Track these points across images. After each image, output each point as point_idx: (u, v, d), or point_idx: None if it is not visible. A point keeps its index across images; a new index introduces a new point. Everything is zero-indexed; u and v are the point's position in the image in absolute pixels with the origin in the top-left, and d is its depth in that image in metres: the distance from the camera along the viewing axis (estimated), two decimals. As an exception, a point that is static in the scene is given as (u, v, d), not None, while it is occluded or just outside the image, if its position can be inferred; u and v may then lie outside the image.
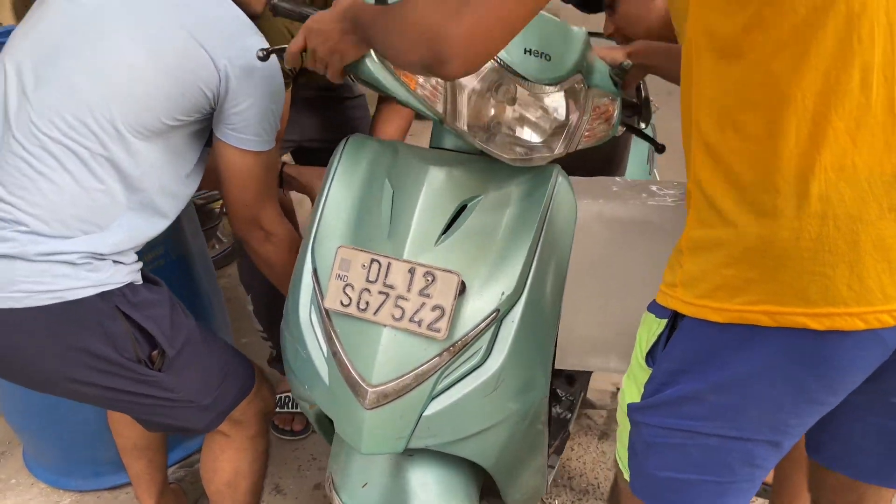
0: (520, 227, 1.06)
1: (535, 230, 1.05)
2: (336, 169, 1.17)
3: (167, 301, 1.21)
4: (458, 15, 0.72)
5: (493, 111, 1.09)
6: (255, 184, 1.22)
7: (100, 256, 1.11)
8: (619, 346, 1.32)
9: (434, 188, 1.08)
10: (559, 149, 1.12)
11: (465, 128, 1.09)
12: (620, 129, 1.19)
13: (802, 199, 0.72)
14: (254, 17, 1.21)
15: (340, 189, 1.16)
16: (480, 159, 1.12)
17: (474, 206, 1.08)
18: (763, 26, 0.72)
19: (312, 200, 1.51)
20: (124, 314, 1.12)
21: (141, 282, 1.18)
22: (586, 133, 1.15)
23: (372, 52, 1.01)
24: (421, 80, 1.05)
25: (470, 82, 1.06)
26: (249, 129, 1.17)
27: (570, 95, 1.11)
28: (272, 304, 1.63)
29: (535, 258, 1.05)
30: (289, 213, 1.57)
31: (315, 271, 1.12)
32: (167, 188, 1.18)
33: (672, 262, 0.86)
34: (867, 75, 0.71)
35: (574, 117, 1.12)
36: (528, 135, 1.11)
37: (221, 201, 2.75)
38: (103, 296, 1.10)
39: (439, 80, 1.03)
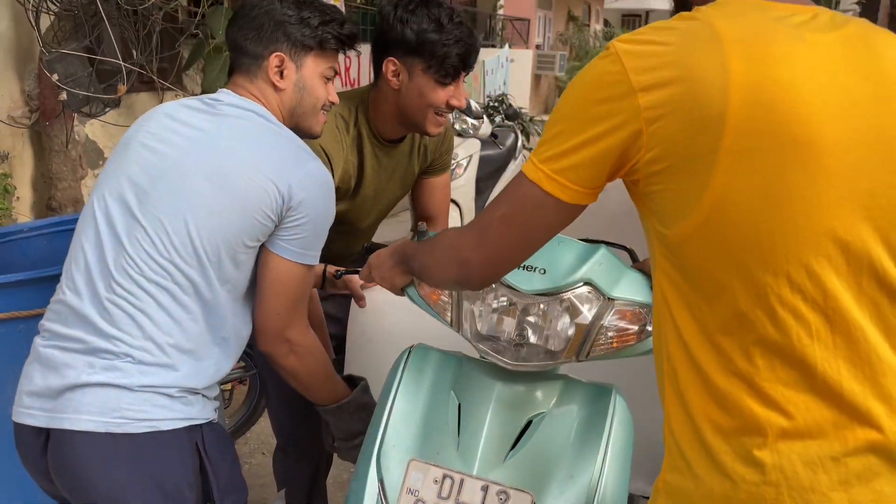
0: (585, 446, 1.12)
1: (601, 451, 1.11)
2: (401, 380, 1.24)
3: (231, 448, 1.28)
4: (476, 246, 0.92)
5: (494, 319, 1.19)
6: (291, 295, 1.28)
7: (193, 391, 1.20)
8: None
9: (501, 404, 1.14)
10: (563, 357, 1.17)
11: (470, 335, 1.18)
12: None
13: (759, 467, 0.77)
14: (312, 137, 1.40)
15: (406, 401, 1.22)
16: (542, 374, 1.20)
17: (539, 423, 1.14)
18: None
19: (357, 301, 1.61)
20: (199, 453, 1.19)
21: (216, 418, 1.26)
22: (610, 342, 1.19)
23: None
24: (444, 296, 1.23)
25: (469, 293, 1.21)
26: (300, 242, 1.26)
27: (576, 305, 1.16)
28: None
29: (602, 478, 1.10)
30: (318, 325, 1.60)
31: (381, 481, 1.15)
32: (238, 325, 1.28)
33: (651, 500, 0.90)
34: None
35: (582, 327, 1.16)
36: (535, 342, 1.17)
37: (229, 383, 2.74)
38: (189, 430, 1.18)
39: (447, 292, 1.23)
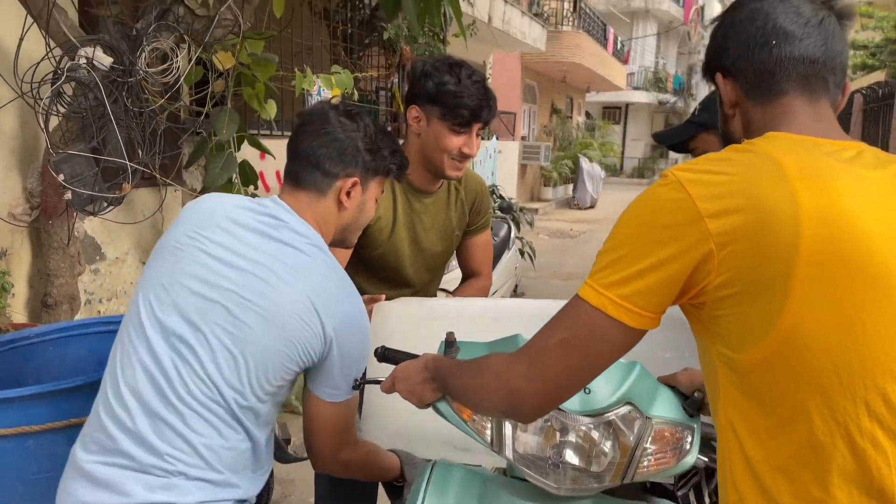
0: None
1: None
2: (424, 497, 1.20)
3: None
4: (529, 376, 0.89)
5: (537, 441, 1.16)
6: (336, 428, 1.35)
7: (246, 501, 1.25)
8: None
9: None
10: (608, 479, 1.15)
11: (511, 457, 1.16)
12: (701, 461, 1.23)
13: None
14: (347, 248, 1.49)
15: (430, 518, 1.18)
16: (565, 496, 1.16)
17: (571, 544, 1.10)
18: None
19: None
20: None
21: None
22: (652, 464, 1.17)
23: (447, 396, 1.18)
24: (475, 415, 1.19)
25: None
26: (334, 383, 1.31)
27: (619, 426, 1.15)
28: None
29: None
30: None
31: None
32: (268, 446, 1.32)
33: None
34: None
35: (626, 448, 1.15)
36: (578, 464, 1.15)
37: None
38: None
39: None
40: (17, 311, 3.16)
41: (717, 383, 0.85)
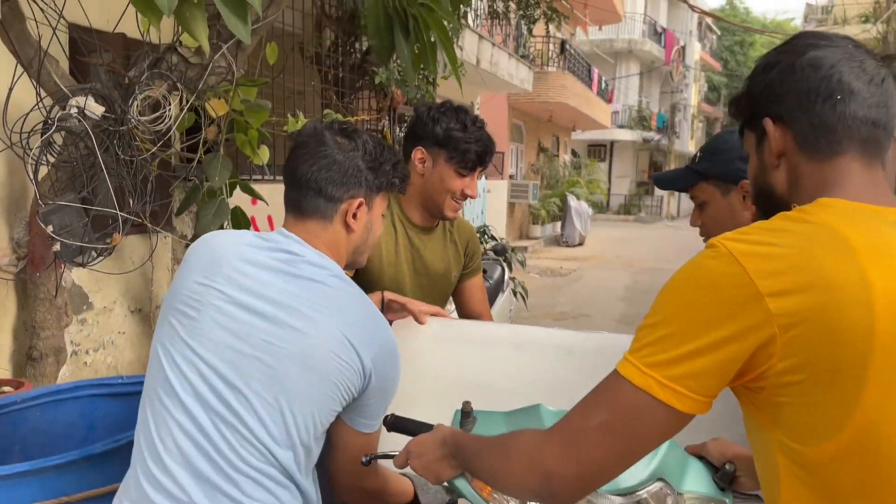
0: None
1: None
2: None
3: None
4: (564, 458, 0.80)
5: None
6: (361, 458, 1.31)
7: None
8: None
9: None
10: None
11: None
12: None
13: None
14: (358, 267, 1.47)
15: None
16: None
17: None
18: None
19: (417, 319, 1.72)
20: None
21: None
22: None
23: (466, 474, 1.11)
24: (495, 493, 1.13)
25: None
26: (370, 413, 1.30)
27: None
28: None
29: None
30: None
31: None
32: (318, 498, 1.30)
33: None
34: None
35: None
36: None
37: None
38: None
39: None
40: (1, 366, 3.06)
41: (776, 473, 0.78)
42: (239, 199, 3.67)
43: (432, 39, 2.98)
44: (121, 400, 1.69)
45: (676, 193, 26.89)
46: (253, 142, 3.46)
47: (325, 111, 4.36)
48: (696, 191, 1.71)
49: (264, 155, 3.62)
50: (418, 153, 1.93)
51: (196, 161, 3.45)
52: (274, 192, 4.59)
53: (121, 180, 2.84)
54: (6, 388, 2.69)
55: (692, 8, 16.26)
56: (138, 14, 2.94)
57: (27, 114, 2.61)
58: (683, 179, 1.74)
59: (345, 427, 1.29)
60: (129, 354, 3.73)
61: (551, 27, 8.93)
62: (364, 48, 5.36)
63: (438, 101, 2.25)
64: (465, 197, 1.95)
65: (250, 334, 1.19)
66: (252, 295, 1.21)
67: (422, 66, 3.01)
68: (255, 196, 3.63)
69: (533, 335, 1.85)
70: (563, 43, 13.35)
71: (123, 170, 2.92)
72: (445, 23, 2.87)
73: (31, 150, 2.62)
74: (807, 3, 29.05)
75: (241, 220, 3.59)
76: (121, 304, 3.67)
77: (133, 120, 2.84)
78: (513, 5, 7.06)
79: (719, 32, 42.79)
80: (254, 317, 1.19)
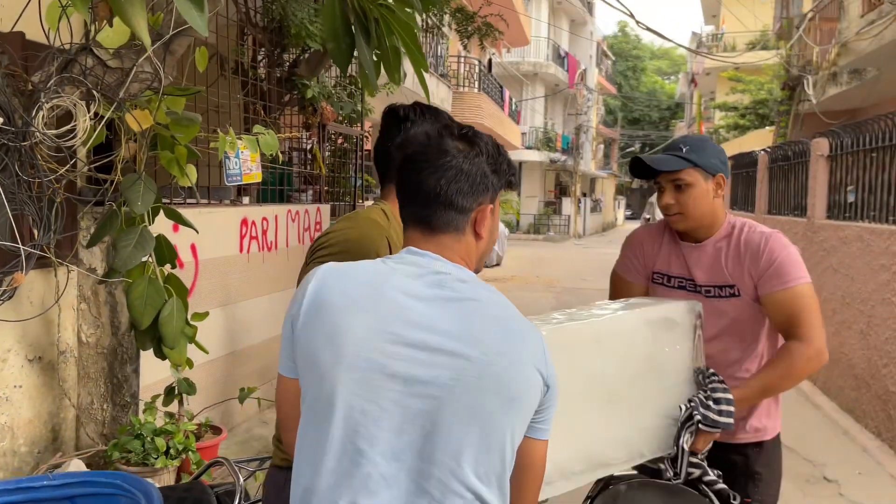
0: None
1: None
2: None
3: None
4: None
5: None
6: (543, 472, 1.27)
7: None
8: None
9: None
10: None
11: None
12: None
13: None
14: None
15: None
16: None
17: None
18: None
19: None
20: None
21: None
22: None
23: None
24: None
25: None
26: (550, 419, 1.25)
27: None
28: None
29: None
30: None
31: None
32: None
33: None
34: None
35: None
36: None
37: None
38: None
39: None
40: None
41: None
42: (159, 225, 3.18)
43: (396, 45, 2.64)
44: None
45: (582, 213, 27.52)
46: (181, 160, 2.99)
47: (256, 127, 3.93)
48: (683, 174, 1.98)
49: (192, 175, 3.16)
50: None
51: (110, 182, 2.95)
52: (201, 217, 4.10)
53: (23, 207, 2.33)
54: None
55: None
56: (42, 8, 2.46)
57: None
58: (677, 163, 1.98)
59: (532, 442, 1.23)
60: (28, 412, 3.14)
61: (463, 49, 8.79)
62: (292, 60, 4.94)
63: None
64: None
65: (435, 377, 1.13)
66: (425, 330, 1.14)
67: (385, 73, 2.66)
68: (183, 222, 3.15)
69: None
70: (490, 60, 13.31)
71: (24, 194, 2.41)
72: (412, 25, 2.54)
73: None
74: (693, 32, 30.73)
75: (165, 252, 3.11)
76: (16, 352, 3.08)
77: (38, 134, 2.34)
78: (447, 18, 6.83)
79: (613, 58, 44.60)
80: (432, 354, 1.13)
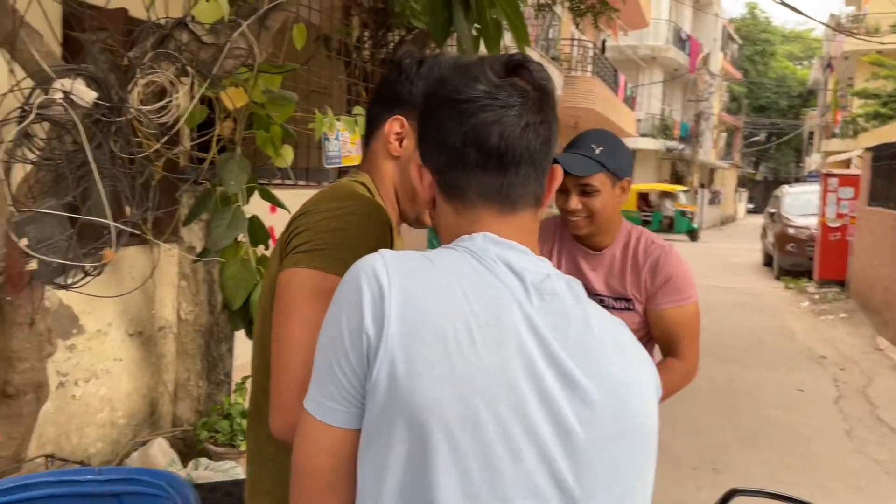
0: None
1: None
2: None
3: None
4: None
5: None
6: None
7: None
8: None
9: None
10: None
11: None
12: None
13: None
14: None
15: None
16: None
17: None
18: None
19: None
20: None
21: None
22: None
23: None
24: None
25: None
26: None
27: None
28: None
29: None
30: None
31: None
32: None
33: None
34: None
35: None
36: None
37: None
38: None
39: None
40: (-32, 405, 2.54)
41: None
42: (255, 207, 3.16)
43: (497, 17, 2.45)
44: (91, 503, 1.17)
45: (699, 206, 26.26)
46: (276, 140, 2.94)
47: (356, 108, 3.85)
48: (593, 179, 1.86)
49: (288, 156, 3.11)
50: (395, 125, 1.28)
51: (207, 161, 2.94)
52: (295, 200, 4.09)
53: (116, 183, 2.33)
54: (-32, 439, 2.18)
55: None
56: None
57: (1, 98, 2.10)
58: (592, 167, 1.85)
59: None
60: (127, 385, 3.21)
61: (576, 28, 8.43)
62: (396, 41, 4.84)
63: None
64: None
65: (573, 430, 0.84)
66: (553, 364, 0.84)
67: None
68: (277, 203, 3.10)
69: None
70: (604, 42, 12.82)
71: (120, 171, 2.41)
72: (516, -4, 2.34)
73: (3, 142, 2.11)
74: (831, 14, 28.45)
75: (258, 233, 3.08)
76: (117, 326, 3.15)
77: (132, 110, 2.33)
78: (560, -4, 6.55)
79: (740, 42, 42.17)
80: (569, 398, 0.84)
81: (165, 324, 3.41)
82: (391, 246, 1.14)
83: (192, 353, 3.47)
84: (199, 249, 3.31)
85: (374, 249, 1.03)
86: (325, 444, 0.86)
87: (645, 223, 20.35)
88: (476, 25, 2.50)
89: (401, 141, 1.26)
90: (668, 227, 21.19)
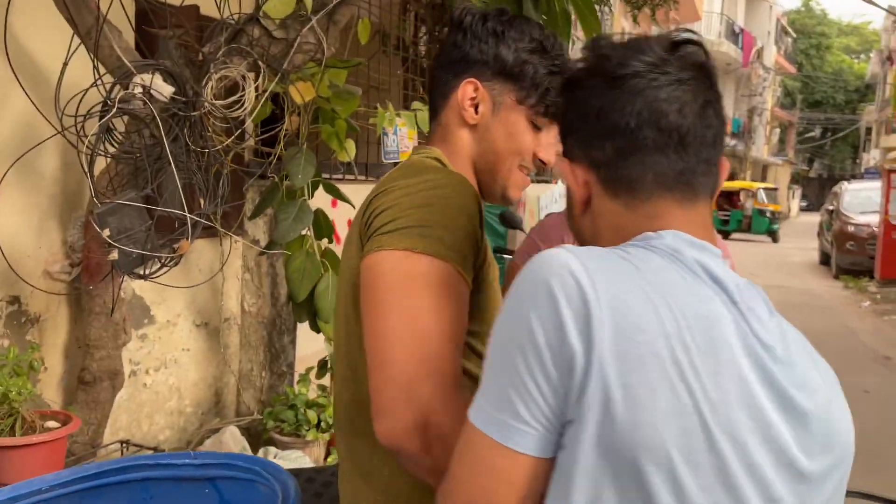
0: None
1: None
2: None
3: None
4: None
5: None
6: None
7: None
8: None
9: None
10: None
11: None
12: None
13: None
14: None
15: None
16: None
17: None
18: None
19: None
20: None
21: None
22: None
23: None
24: None
25: None
26: None
27: None
28: None
29: None
30: None
31: None
32: None
33: None
34: None
35: None
36: None
37: None
38: None
39: None
40: (50, 391, 2.63)
41: None
42: (318, 201, 3.19)
43: (566, 7, 2.43)
44: (187, 487, 1.19)
45: (786, 194, 25.67)
46: (340, 134, 2.97)
47: (415, 104, 3.86)
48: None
49: (351, 150, 3.13)
50: (469, 89, 1.13)
51: (275, 156, 2.98)
52: (357, 193, 4.12)
53: (190, 176, 2.38)
54: (51, 423, 2.25)
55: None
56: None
57: (83, 93, 2.16)
58: None
59: None
60: (194, 374, 3.29)
61: (632, 21, 8.30)
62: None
63: None
64: (539, 165, 1.20)
65: (797, 463, 0.76)
66: (772, 391, 0.74)
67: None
68: (341, 197, 3.13)
69: None
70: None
71: (193, 164, 2.46)
72: (587, -14, 2.32)
73: (86, 136, 2.17)
74: (890, 5, 27.42)
75: (323, 226, 3.11)
76: (185, 317, 3.23)
77: (206, 104, 2.38)
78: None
79: (795, 35, 41.00)
80: (791, 428, 0.75)
81: (230, 315, 3.47)
82: (482, 220, 1.03)
83: (255, 345, 3.53)
84: (263, 243, 3.36)
85: (468, 224, 0.97)
86: (509, 475, 0.71)
87: (723, 223, 19.83)
88: (544, 16, 2.48)
89: (476, 107, 1.14)
90: (747, 227, 20.49)
